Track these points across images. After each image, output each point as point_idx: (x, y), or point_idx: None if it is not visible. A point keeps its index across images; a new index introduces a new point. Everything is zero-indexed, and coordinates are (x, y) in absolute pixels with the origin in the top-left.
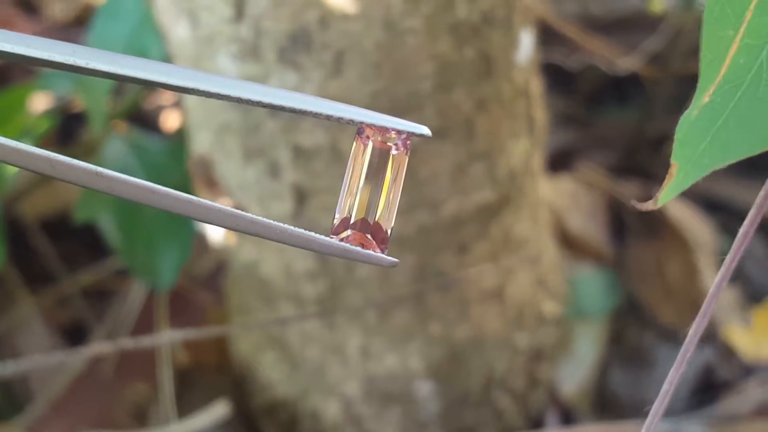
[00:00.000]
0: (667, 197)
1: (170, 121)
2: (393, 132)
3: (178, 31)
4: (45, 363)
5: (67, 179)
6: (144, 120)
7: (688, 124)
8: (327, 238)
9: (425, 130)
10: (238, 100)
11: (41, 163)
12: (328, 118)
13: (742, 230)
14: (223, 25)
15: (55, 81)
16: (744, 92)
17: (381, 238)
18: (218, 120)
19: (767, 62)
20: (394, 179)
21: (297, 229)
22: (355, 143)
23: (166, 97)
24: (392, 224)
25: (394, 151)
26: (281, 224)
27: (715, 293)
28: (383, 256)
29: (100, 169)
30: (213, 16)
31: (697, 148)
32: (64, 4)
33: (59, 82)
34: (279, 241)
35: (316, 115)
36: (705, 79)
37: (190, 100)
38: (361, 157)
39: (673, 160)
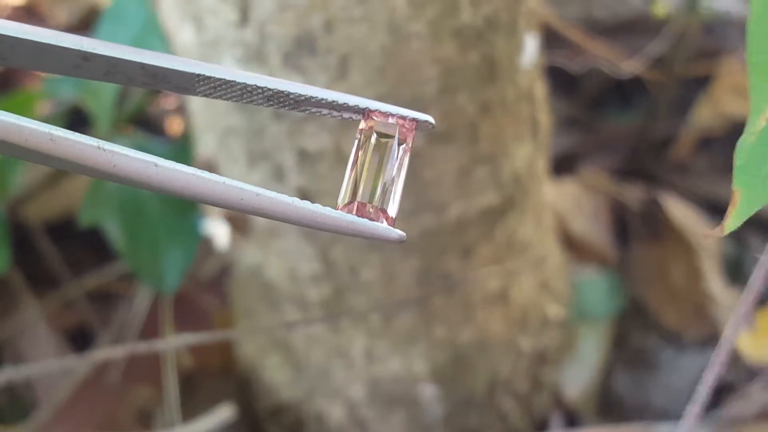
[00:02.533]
0: (732, 225)
1: (175, 124)
2: (397, 119)
3: (183, 36)
4: (51, 368)
5: (68, 156)
6: (149, 124)
7: (746, 149)
8: (333, 212)
9: (429, 118)
10: (244, 88)
11: (41, 138)
12: (332, 104)
13: None
14: (228, 29)
15: (60, 85)
16: None
17: (386, 220)
18: (223, 124)
19: None
20: (398, 166)
21: (303, 202)
22: (359, 130)
23: (171, 101)
24: (396, 211)
25: (397, 138)
26: (287, 197)
27: None
28: (391, 228)
29: (101, 142)
30: (218, 20)
31: (758, 174)
32: (67, 9)
33: (64, 86)
34: (284, 219)
35: (320, 102)
36: (757, 103)
37: (194, 103)
38: (365, 144)
39: (734, 187)
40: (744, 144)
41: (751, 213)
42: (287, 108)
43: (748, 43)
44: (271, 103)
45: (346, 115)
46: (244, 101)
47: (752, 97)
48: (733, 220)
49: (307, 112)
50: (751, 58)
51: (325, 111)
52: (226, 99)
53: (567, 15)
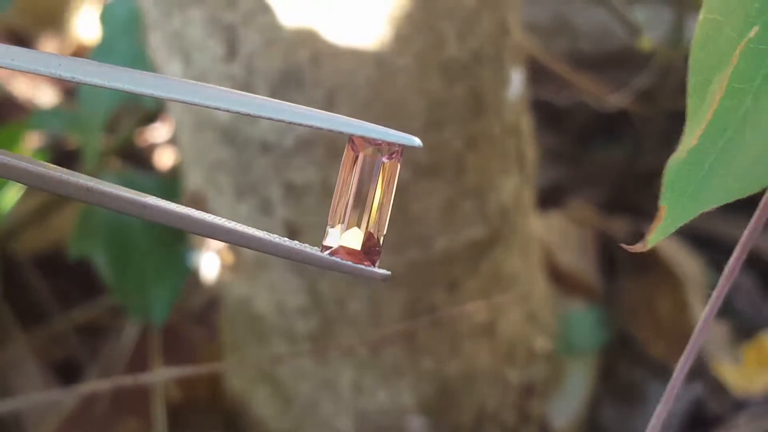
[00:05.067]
0: (655, 239)
1: (163, 158)
2: (384, 143)
3: (172, 70)
4: (39, 401)
5: (59, 192)
6: (137, 157)
7: (676, 166)
8: (318, 252)
9: (416, 141)
10: (227, 112)
11: (33, 176)
12: (320, 129)
13: (728, 266)
14: (215, 63)
15: (48, 119)
16: (730, 136)
17: (373, 251)
18: (211, 157)
19: (753, 107)
20: (386, 190)
21: (288, 241)
22: (345, 154)
23: (159, 134)
24: (383, 235)
25: (384, 161)
26: (272, 236)
27: (703, 327)
28: (374, 269)
29: (91, 183)
30: (206, 54)
31: (685, 191)
32: (57, 43)
33: (52, 119)
34: (271, 254)
35: (307, 127)
36: (692, 122)
37: (183, 136)
38: (352, 168)
39: (661, 203)
40: (675, 161)
41: (674, 229)
42: (274, 120)
43: (690, 65)
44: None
45: (334, 132)
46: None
47: (689, 116)
48: (656, 236)
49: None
50: (691, 78)
51: (314, 128)
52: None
53: (553, 49)
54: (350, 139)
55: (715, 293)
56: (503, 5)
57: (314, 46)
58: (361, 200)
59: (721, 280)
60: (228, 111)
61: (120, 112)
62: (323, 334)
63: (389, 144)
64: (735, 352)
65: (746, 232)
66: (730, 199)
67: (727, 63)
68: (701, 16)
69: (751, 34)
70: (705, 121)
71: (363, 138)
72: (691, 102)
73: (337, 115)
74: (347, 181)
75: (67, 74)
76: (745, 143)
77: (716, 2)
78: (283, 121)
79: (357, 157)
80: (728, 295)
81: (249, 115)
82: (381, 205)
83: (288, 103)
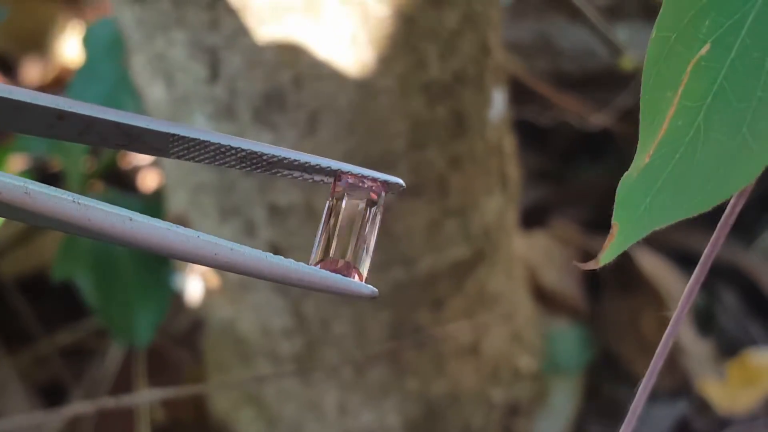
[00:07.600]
0: (608, 257)
1: (147, 180)
2: (369, 181)
3: (154, 92)
4: (24, 423)
5: (43, 210)
6: (121, 180)
7: (628, 185)
8: (306, 267)
9: (399, 180)
10: (217, 149)
11: (16, 192)
12: (305, 166)
13: (694, 275)
14: (198, 85)
15: (31, 142)
16: (682, 154)
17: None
18: (194, 180)
19: (704, 124)
20: (370, 228)
21: (277, 257)
22: (331, 192)
23: (143, 157)
24: (367, 270)
25: (369, 201)
26: (260, 252)
27: (667, 339)
28: (363, 284)
29: (76, 196)
30: (188, 77)
31: (636, 210)
32: (40, 67)
33: (36, 142)
34: (257, 275)
35: (292, 164)
36: (644, 141)
37: (167, 160)
38: (337, 206)
39: (614, 221)
40: (627, 179)
41: (626, 248)
42: (259, 170)
43: (643, 83)
44: (243, 164)
45: (317, 177)
46: (216, 163)
47: (641, 134)
48: (608, 254)
49: (278, 174)
50: (643, 96)
51: (296, 173)
52: (199, 161)
53: (535, 69)
54: (336, 177)
55: (679, 306)
56: (485, 26)
57: (296, 67)
58: (344, 238)
59: (685, 294)
60: (219, 148)
61: None
62: (308, 356)
63: (374, 181)
64: (719, 370)
65: (708, 248)
66: (683, 217)
67: (679, 81)
68: (653, 33)
69: (702, 51)
70: (656, 139)
71: (349, 176)
72: (642, 120)
73: (323, 157)
74: (332, 220)
75: (64, 105)
76: (697, 161)
77: (669, 20)
78: (272, 160)
79: (342, 197)
80: (712, 313)
81: (239, 150)
82: (365, 244)
83: (276, 146)
